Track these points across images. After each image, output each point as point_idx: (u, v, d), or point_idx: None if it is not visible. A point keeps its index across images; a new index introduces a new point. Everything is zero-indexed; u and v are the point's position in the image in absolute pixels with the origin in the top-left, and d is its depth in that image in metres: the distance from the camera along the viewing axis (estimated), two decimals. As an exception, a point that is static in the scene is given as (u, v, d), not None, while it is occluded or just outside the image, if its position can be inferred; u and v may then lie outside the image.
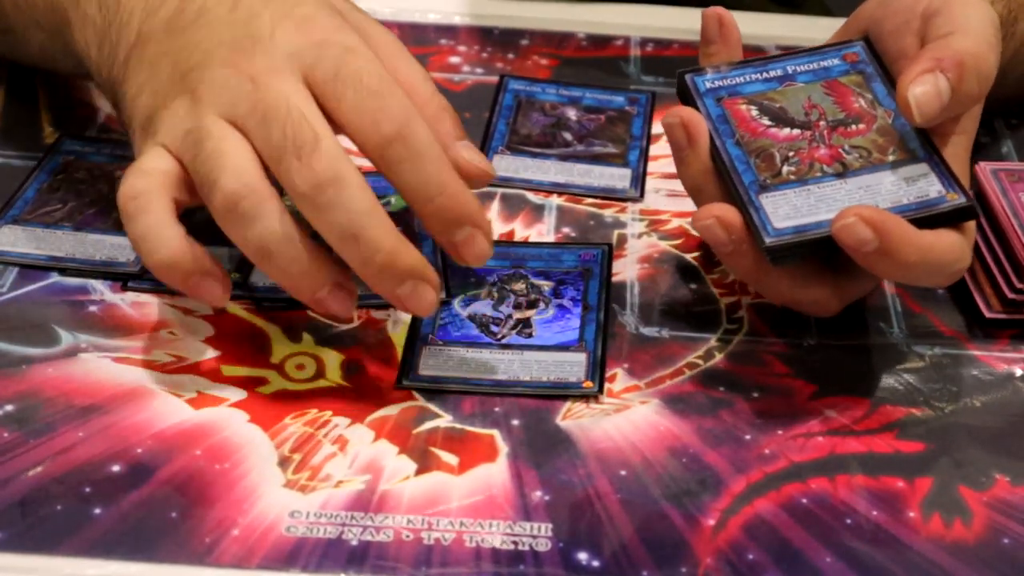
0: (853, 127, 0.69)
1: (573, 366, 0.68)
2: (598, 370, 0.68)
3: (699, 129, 0.68)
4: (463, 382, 0.67)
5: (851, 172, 0.67)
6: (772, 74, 0.72)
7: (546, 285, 0.73)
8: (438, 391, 0.67)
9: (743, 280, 0.72)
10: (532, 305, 0.72)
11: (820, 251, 0.65)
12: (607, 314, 0.71)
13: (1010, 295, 0.72)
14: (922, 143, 0.67)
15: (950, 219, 0.65)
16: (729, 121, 0.69)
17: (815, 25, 0.99)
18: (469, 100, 0.89)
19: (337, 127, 0.65)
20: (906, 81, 0.65)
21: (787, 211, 0.66)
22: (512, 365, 0.68)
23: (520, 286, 0.73)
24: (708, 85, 0.71)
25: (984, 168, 0.77)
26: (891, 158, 0.67)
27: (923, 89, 0.65)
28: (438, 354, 0.69)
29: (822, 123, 0.69)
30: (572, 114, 0.88)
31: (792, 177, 0.67)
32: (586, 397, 0.67)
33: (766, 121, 0.69)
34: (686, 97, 0.71)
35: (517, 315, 0.71)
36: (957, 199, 0.65)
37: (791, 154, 0.68)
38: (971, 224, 0.66)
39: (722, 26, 0.73)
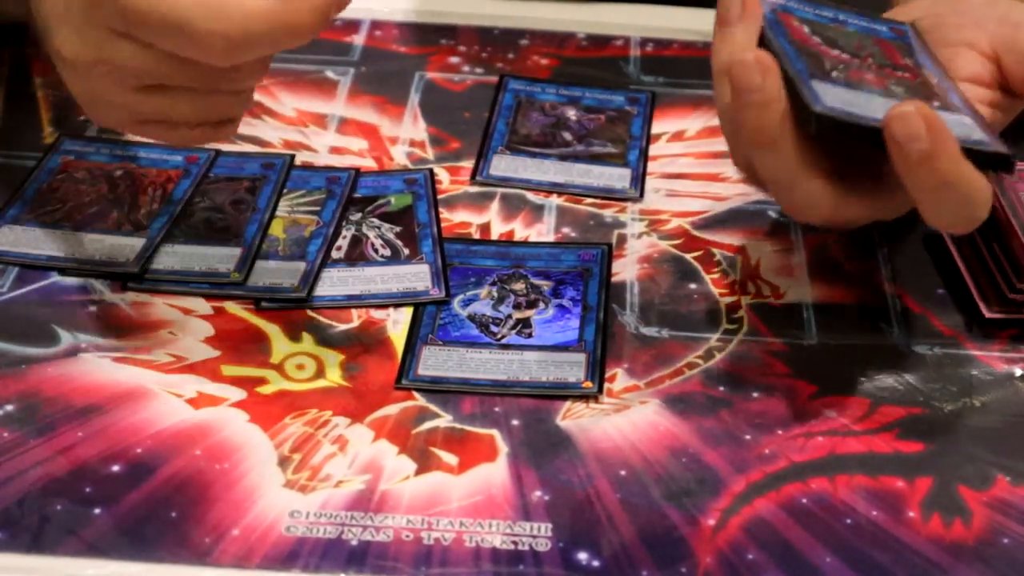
0: (899, 72, 0.67)
1: (572, 366, 0.68)
2: (598, 370, 0.68)
3: (756, 6, 0.65)
4: (463, 382, 0.67)
5: (898, 96, 0.64)
6: (823, 13, 0.69)
7: (546, 285, 0.73)
8: (438, 391, 0.67)
9: (746, 140, 0.62)
10: (532, 305, 0.72)
11: (861, 142, 0.61)
12: (607, 314, 0.71)
13: (1010, 295, 0.72)
14: (965, 103, 0.66)
15: (988, 162, 0.62)
16: (782, 26, 0.66)
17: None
18: (469, 100, 0.89)
19: None
20: None
21: (837, 98, 0.62)
22: (512, 365, 0.68)
23: (520, 286, 0.73)
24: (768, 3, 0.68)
25: (984, 168, 0.77)
26: (935, 104, 0.65)
27: None
28: (438, 354, 0.69)
29: (871, 59, 0.67)
30: (572, 114, 0.88)
31: (841, 79, 0.64)
32: (586, 397, 0.67)
33: (817, 39, 0.67)
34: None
35: (517, 315, 0.71)
36: (997, 145, 0.63)
37: (840, 67, 0.65)
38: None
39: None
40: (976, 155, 0.62)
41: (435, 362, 0.68)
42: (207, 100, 0.67)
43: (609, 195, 0.81)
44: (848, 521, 0.61)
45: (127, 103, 0.67)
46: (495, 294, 0.73)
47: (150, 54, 0.64)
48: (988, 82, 0.70)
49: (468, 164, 0.83)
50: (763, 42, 0.64)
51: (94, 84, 0.67)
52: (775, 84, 0.61)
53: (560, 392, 0.67)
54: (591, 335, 0.70)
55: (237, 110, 0.69)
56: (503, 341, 0.70)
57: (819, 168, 0.62)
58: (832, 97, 0.62)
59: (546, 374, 0.68)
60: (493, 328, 0.71)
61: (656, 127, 0.87)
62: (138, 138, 0.83)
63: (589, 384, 0.67)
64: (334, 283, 0.73)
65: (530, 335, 0.70)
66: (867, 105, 0.62)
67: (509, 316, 0.71)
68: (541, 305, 0.72)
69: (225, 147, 0.82)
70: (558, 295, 0.73)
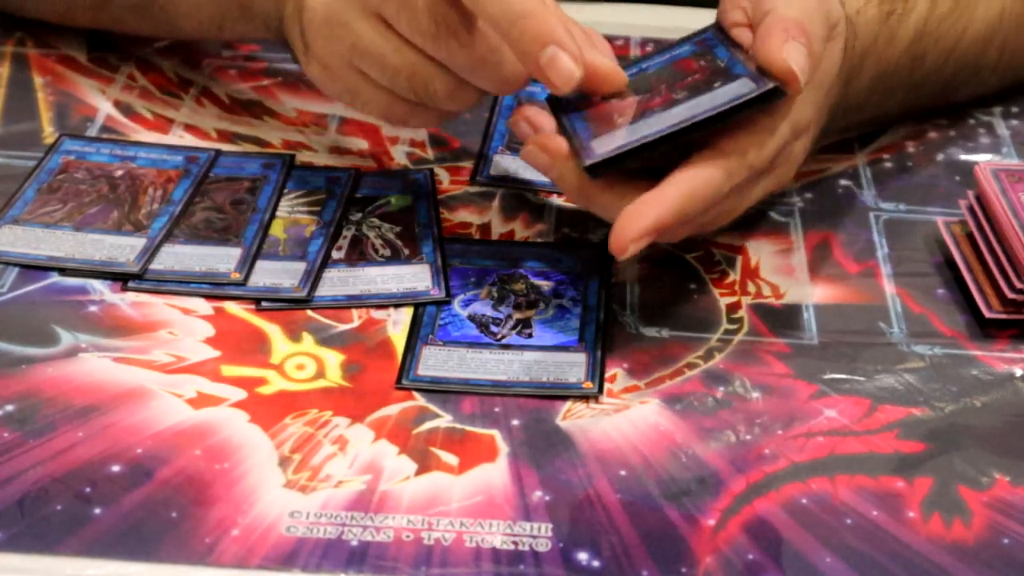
0: (689, 79, 0.70)
1: (573, 366, 0.68)
2: (598, 370, 0.68)
3: (546, 121, 0.72)
4: (463, 382, 0.67)
5: (678, 103, 0.68)
6: (631, 72, 0.73)
7: (546, 285, 0.73)
8: (438, 391, 0.67)
9: (574, 200, 0.74)
10: (532, 305, 0.72)
11: (637, 160, 0.67)
12: (607, 314, 0.71)
13: (1010, 295, 0.72)
14: (747, 67, 0.68)
15: (761, 102, 0.66)
16: (581, 109, 0.71)
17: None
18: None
19: None
20: (775, 55, 0.66)
21: (607, 141, 0.67)
22: (512, 365, 0.68)
23: (520, 286, 0.73)
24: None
25: (984, 168, 0.77)
26: (716, 84, 0.68)
27: (797, 57, 0.66)
28: (438, 354, 0.69)
29: (663, 86, 0.70)
30: (572, 114, 0.88)
31: (621, 122, 0.68)
32: (586, 397, 0.67)
33: (613, 100, 0.71)
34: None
35: (517, 315, 0.71)
36: (763, 87, 0.66)
37: (627, 110, 0.69)
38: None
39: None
40: (748, 104, 0.66)
41: (435, 362, 0.68)
42: (421, 64, 0.71)
43: (609, 195, 0.81)
44: (848, 521, 0.61)
45: (360, 33, 0.72)
46: (495, 294, 0.73)
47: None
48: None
49: (468, 164, 0.83)
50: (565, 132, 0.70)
51: (348, 80, 0.74)
52: (559, 154, 0.69)
53: (560, 392, 0.67)
54: (591, 335, 0.70)
55: (443, 98, 0.73)
56: (503, 341, 0.70)
57: (630, 184, 0.68)
58: (604, 141, 0.68)
59: (546, 374, 0.68)
60: (493, 328, 0.70)
61: (656, 127, 0.87)
62: (138, 138, 0.84)
63: (589, 384, 0.67)
64: (334, 283, 0.73)
65: (530, 335, 0.70)
66: (637, 130, 0.67)
67: (509, 316, 0.71)
68: (541, 305, 0.72)
69: (225, 147, 0.82)
70: (558, 295, 0.73)
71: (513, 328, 0.71)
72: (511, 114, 0.73)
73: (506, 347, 0.69)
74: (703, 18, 0.97)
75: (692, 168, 0.67)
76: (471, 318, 0.71)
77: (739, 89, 0.67)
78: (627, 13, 0.99)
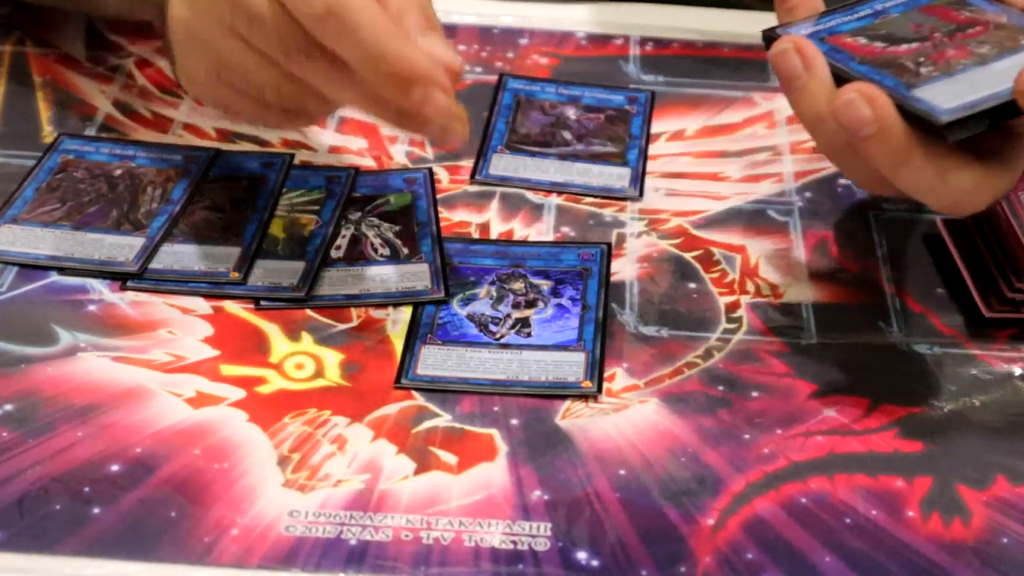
0: (970, 30, 0.66)
1: (572, 366, 0.68)
2: (597, 370, 0.68)
3: (814, 51, 0.64)
4: (462, 382, 0.67)
5: (992, 59, 0.63)
6: (863, 13, 0.68)
7: (545, 284, 0.73)
8: (437, 390, 0.67)
9: (878, 168, 0.63)
10: (531, 304, 0.72)
11: (996, 122, 0.61)
12: (606, 314, 0.71)
13: (1009, 294, 0.72)
14: None
15: None
16: (842, 51, 0.65)
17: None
18: (468, 99, 0.89)
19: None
20: None
21: (947, 94, 0.61)
22: (511, 365, 0.68)
23: (519, 285, 0.73)
24: (806, 32, 0.67)
25: (984, 167, 0.76)
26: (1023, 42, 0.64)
27: None
28: (437, 353, 0.69)
29: (937, 34, 0.66)
30: (571, 113, 0.88)
31: (935, 74, 0.63)
32: (585, 397, 0.67)
33: (879, 44, 0.65)
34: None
35: (516, 314, 0.71)
36: None
37: (922, 59, 0.64)
38: None
39: None
40: None
41: (434, 361, 0.68)
42: (284, 79, 0.69)
43: (608, 194, 0.81)
44: (848, 521, 0.61)
45: (220, 49, 0.69)
46: (494, 293, 0.73)
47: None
48: None
49: (467, 163, 0.83)
50: (838, 78, 0.63)
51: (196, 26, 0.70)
52: (886, 109, 0.60)
53: (559, 392, 0.67)
54: (590, 334, 0.70)
55: (312, 106, 0.71)
56: (502, 340, 0.70)
57: (957, 158, 0.62)
58: (944, 97, 0.61)
59: (545, 374, 0.68)
60: (492, 327, 0.70)
61: (655, 126, 0.87)
62: (138, 137, 0.83)
63: (588, 383, 0.67)
64: (333, 282, 0.73)
65: (529, 335, 0.70)
66: (979, 84, 0.62)
67: (508, 315, 0.71)
68: (540, 304, 0.72)
69: (224, 146, 0.82)
70: (557, 294, 0.73)
71: (512, 327, 0.71)
72: (773, 46, 0.65)
73: (505, 346, 0.69)
74: (703, 17, 0.97)
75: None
76: (470, 317, 0.71)
77: None
78: (627, 12, 0.99)
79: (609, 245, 0.76)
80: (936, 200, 0.63)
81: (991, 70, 0.62)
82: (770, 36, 0.67)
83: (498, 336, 0.70)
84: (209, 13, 0.69)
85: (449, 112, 0.65)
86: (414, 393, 0.67)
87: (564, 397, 0.67)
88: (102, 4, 0.87)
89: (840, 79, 0.63)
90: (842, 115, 0.61)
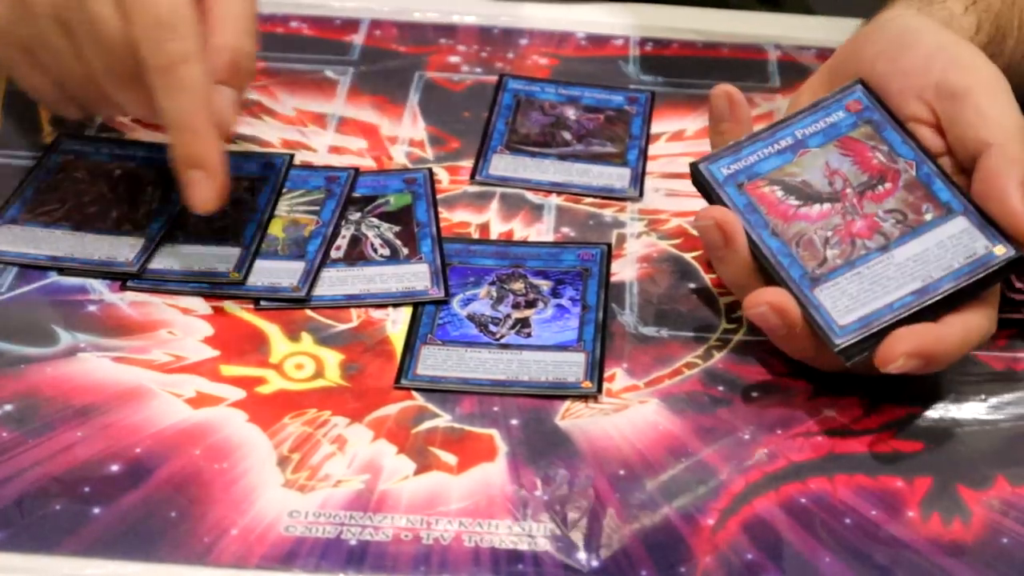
0: (880, 188, 0.68)
1: (572, 366, 0.68)
2: (596, 370, 0.68)
3: (735, 227, 0.67)
4: (461, 382, 0.67)
5: (894, 243, 0.66)
6: (783, 144, 0.71)
7: (545, 285, 0.73)
8: (437, 390, 0.67)
9: (797, 358, 0.68)
10: (531, 305, 0.72)
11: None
12: (606, 314, 0.71)
13: (1009, 294, 0.72)
14: (953, 192, 0.67)
15: (1003, 274, 0.65)
16: (757, 209, 0.68)
17: (802, 24, 0.99)
18: (468, 99, 0.89)
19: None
20: (1020, 218, 0.65)
21: (846, 303, 0.65)
22: (511, 365, 0.68)
23: (519, 286, 0.73)
24: (725, 172, 0.70)
25: (983, 168, 0.76)
26: (928, 216, 0.67)
27: None
28: (437, 353, 0.69)
29: (848, 191, 0.68)
30: (571, 113, 0.88)
31: (839, 261, 0.66)
32: (584, 397, 0.67)
33: (793, 201, 0.68)
34: (705, 188, 0.70)
35: (516, 315, 0.71)
36: (1005, 252, 0.65)
37: (830, 234, 0.67)
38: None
39: (732, 104, 0.73)
40: (990, 279, 0.65)
41: (434, 362, 0.68)
42: (90, 81, 0.71)
43: (608, 195, 0.81)
44: (847, 521, 0.61)
45: (46, 29, 0.71)
46: (494, 294, 0.73)
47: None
48: (941, 152, 0.69)
49: (467, 164, 0.83)
50: (753, 249, 0.67)
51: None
52: (794, 319, 0.65)
53: (559, 392, 0.67)
54: (590, 335, 0.70)
55: (105, 110, 0.77)
56: (502, 341, 0.70)
57: None
58: (843, 307, 0.65)
59: (545, 374, 0.68)
60: (492, 328, 0.70)
61: (655, 127, 0.87)
62: (138, 138, 0.83)
63: (588, 384, 0.67)
64: (333, 283, 0.73)
65: (529, 335, 0.70)
66: (875, 292, 0.65)
67: (508, 316, 0.71)
68: (540, 305, 0.72)
69: (224, 147, 0.82)
70: (557, 295, 0.73)
71: (512, 328, 0.71)
72: (697, 217, 0.69)
73: (505, 347, 0.69)
74: (703, 18, 0.97)
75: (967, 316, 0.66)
76: (470, 317, 0.71)
77: (971, 244, 0.65)
78: (627, 13, 0.99)
79: (609, 245, 0.76)
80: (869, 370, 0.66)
81: (892, 262, 0.66)
82: (696, 171, 0.71)
83: (498, 336, 0.70)
84: None
85: (205, 204, 0.70)
86: (414, 393, 0.67)
87: (564, 397, 0.67)
88: None
89: (755, 253, 0.67)
90: (755, 320, 0.66)
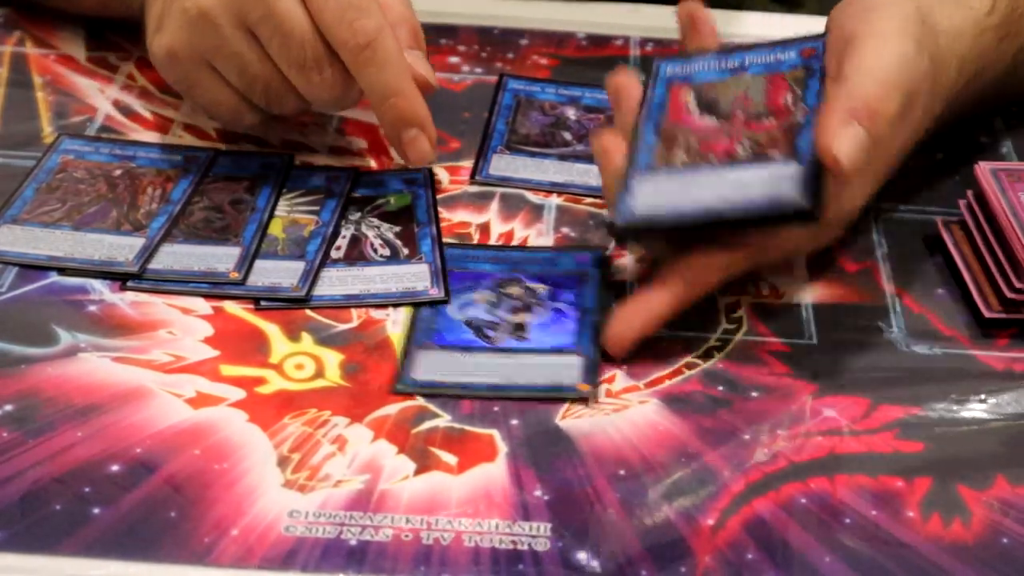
0: (765, 121, 0.70)
1: (568, 369, 0.68)
2: (593, 373, 0.68)
3: (626, 102, 0.74)
4: (458, 386, 0.67)
5: (734, 164, 0.69)
6: (728, 64, 0.74)
7: (542, 289, 0.73)
8: (434, 395, 0.67)
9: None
10: (528, 309, 0.72)
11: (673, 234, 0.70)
12: (603, 317, 0.71)
13: (1009, 295, 0.72)
14: (811, 148, 0.68)
15: (787, 220, 0.68)
16: (664, 108, 0.72)
17: (818, 25, 0.99)
18: (468, 99, 0.89)
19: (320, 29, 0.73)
20: (826, 135, 0.66)
21: (653, 196, 0.68)
22: (507, 369, 0.68)
23: (516, 290, 0.73)
24: (669, 72, 0.75)
25: (984, 168, 0.77)
26: (775, 154, 0.69)
27: (848, 145, 0.66)
28: (434, 358, 0.69)
29: (739, 115, 0.71)
30: (571, 114, 0.88)
31: (678, 164, 0.70)
32: (583, 399, 0.67)
33: (695, 111, 0.72)
34: (647, 77, 0.75)
35: (513, 319, 0.71)
36: (800, 203, 0.66)
37: (693, 142, 0.70)
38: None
39: (694, 21, 0.76)
40: (775, 219, 0.68)
41: (431, 366, 0.68)
42: (277, 79, 0.75)
43: (608, 195, 0.81)
44: (847, 521, 0.61)
45: (226, 37, 0.74)
46: (491, 298, 0.73)
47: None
48: None
49: (468, 164, 0.83)
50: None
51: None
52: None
53: (555, 395, 0.67)
54: (587, 338, 0.70)
55: (291, 108, 0.78)
56: (499, 345, 0.70)
57: None
58: (648, 197, 0.69)
59: (542, 377, 0.68)
60: (488, 332, 0.70)
61: (656, 127, 0.87)
62: (137, 137, 0.83)
63: (585, 387, 0.67)
64: (333, 283, 0.73)
65: (526, 339, 0.70)
66: (692, 192, 0.68)
67: (505, 320, 0.71)
68: (537, 309, 0.72)
69: (224, 147, 0.82)
70: (554, 299, 0.73)
71: (509, 332, 0.70)
72: (611, 74, 0.76)
73: (502, 351, 0.69)
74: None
75: (690, 264, 0.70)
76: (467, 322, 0.71)
77: (778, 187, 0.67)
78: (627, 13, 0.99)
79: (606, 249, 0.76)
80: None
81: (716, 178, 0.69)
82: (655, 65, 0.77)
83: (494, 341, 0.70)
84: (232, 3, 0.73)
85: (425, 157, 0.77)
86: (414, 393, 0.67)
87: (561, 400, 0.67)
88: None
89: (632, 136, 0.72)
90: (592, 146, 0.73)
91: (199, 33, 0.74)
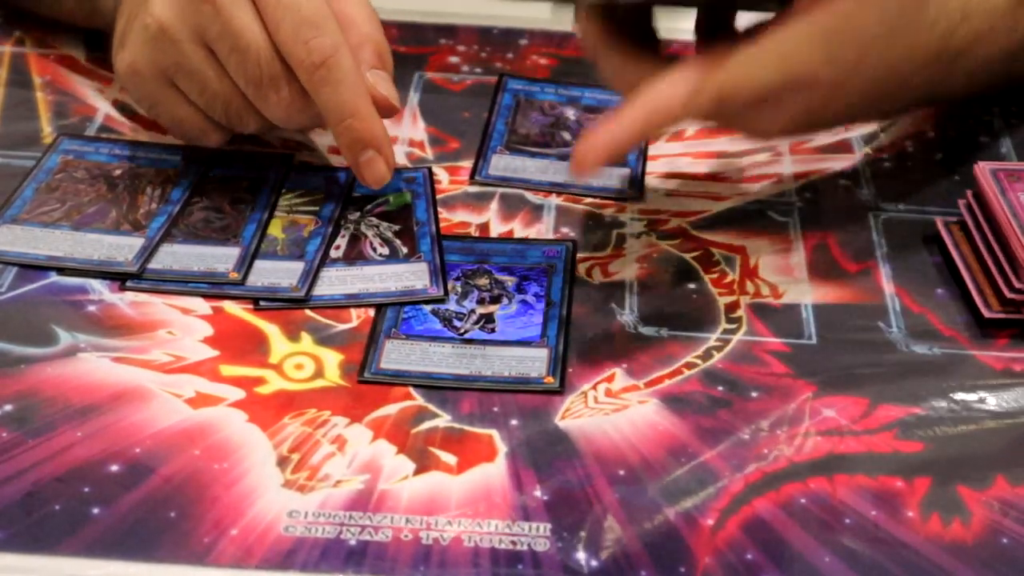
0: None
1: (535, 361, 0.68)
2: (559, 365, 0.68)
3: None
4: (424, 376, 0.67)
5: None
6: None
7: (510, 280, 0.73)
8: (399, 384, 0.67)
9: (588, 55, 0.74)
10: (495, 300, 0.72)
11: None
12: (569, 310, 0.71)
13: (1009, 295, 0.72)
14: None
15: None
16: None
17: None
18: (468, 100, 0.89)
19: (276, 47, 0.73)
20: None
21: None
22: (474, 360, 0.68)
23: (483, 281, 0.73)
24: None
25: (983, 168, 0.77)
26: None
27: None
28: (400, 348, 0.69)
29: None
30: (571, 114, 0.88)
31: None
32: (548, 392, 0.66)
33: None
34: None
35: (480, 310, 0.71)
36: None
37: None
38: None
39: None
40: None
41: (397, 356, 0.68)
42: (237, 96, 0.74)
43: (608, 195, 0.81)
44: (847, 521, 0.61)
45: (186, 54, 0.74)
46: (459, 289, 0.73)
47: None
48: None
49: (467, 164, 0.83)
50: None
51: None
52: None
53: (521, 387, 0.67)
54: (553, 331, 0.70)
55: (252, 126, 0.77)
56: (466, 336, 0.70)
57: None
58: None
59: (508, 369, 0.68)
60: (456, 323, 0.70)
61: (655, 127, 0.87)
62: (137, 137, 0.83)
63: (551, 379, 0.67)
64: (333, 282, 0.73)
65: (493, 330, 0.70)
66: None
67: (472, 311, 0.71)
68: (504, 300, 0.72)
69: (224, 147, 0.82)
70: (522, 291, 0.73)
71: (476, 323, 0.71)
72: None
73: (468, 341, 0.69)
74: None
75: (658, 85, 0.69)
76: (434, 313, 0.71)
77: None
78: (626, 13, 0.98)
79: (574, 242, 0.76)
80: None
81: None
82: None
83: (462, 331, 0.70)
84: (190, 19, 0.73)
85: (382, 179, 0.75)
86: (413, 393, 0.67)
87: (527, 392, 0.67)
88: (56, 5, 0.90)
89: None
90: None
91: (160, 49, 0.74)
